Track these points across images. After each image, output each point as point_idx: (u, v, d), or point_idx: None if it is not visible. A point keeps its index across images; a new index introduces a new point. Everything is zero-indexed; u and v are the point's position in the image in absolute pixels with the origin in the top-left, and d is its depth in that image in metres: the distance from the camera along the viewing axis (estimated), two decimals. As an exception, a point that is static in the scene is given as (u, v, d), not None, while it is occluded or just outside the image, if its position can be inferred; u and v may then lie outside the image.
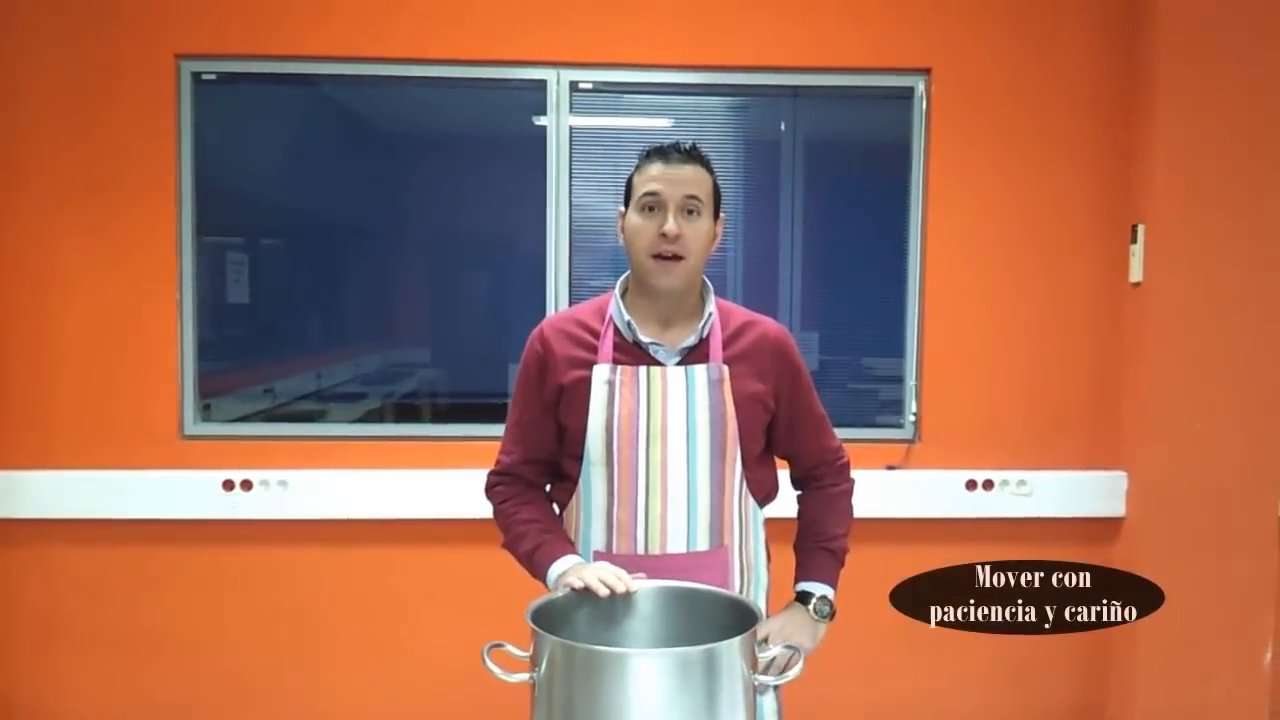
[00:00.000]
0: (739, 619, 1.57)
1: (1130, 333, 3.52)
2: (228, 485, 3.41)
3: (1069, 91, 3.54)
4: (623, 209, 2.02)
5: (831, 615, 2.03)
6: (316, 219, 3.78)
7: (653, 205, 1.93)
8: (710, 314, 2.00)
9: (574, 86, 3.55)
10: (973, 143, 3.55)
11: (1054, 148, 3.55)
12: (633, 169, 2.01)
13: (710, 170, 2.00)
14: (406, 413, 3.88)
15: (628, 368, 1.96)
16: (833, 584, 2.07)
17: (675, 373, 1.96)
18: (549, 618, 1.59)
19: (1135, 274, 3.47)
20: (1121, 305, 3.55)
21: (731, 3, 3.50)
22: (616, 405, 1.94)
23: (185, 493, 3.42)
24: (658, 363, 1.97)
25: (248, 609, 3.52)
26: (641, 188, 1.95)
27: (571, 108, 3.55)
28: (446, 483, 3.42)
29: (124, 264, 3.44)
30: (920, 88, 3.57)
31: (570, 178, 3.53)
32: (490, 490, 2.10)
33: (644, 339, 1.97)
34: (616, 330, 2.00)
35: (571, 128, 3.54)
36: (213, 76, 3.51)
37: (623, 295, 2.04)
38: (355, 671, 3.56)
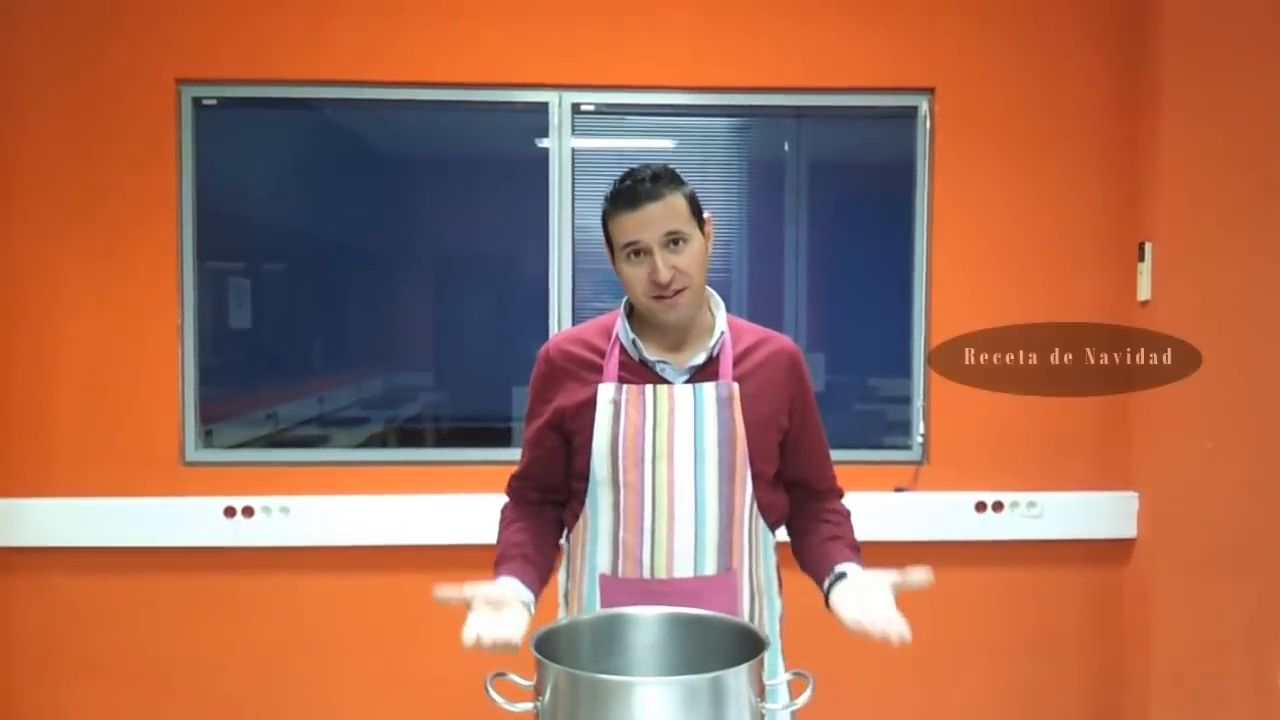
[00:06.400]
0: (747, 646, 1.53)
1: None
2: (229, 512, 3.39)
3: (1074, 109, 3.53)
4: (611, 258, 1.97)
5: None
6: (318, 243, 3.76)
7: (637, 252, 1.88)
8: (721, 333, 1.97)
9: (576, 108, 3.54)
10: (977, 161, 3.54)
11: (1060, 165, 3.53)
12: (603, 213, 1.94)
13: (679, 187, 1.90)
14: (409, 437, 3.84)
15: (633, 386, 1.93)
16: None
17: (683, 391, 1.93)
18: (553, 645, 1.55)
19: (1143, 292, 3.45)
20: (1130, 323, 3.51)
21: (734, 24, 3.49)
22: (622, 424, 1.91)
23: (186, 520, 3.40)
24: (665, 381, 1.94)
25: (249, 637, 3.49)
26: (620, 239, 1.90)
27: (573, 130, 3.54)
28: (450, 508, 3.40)
29: (125, 290, 3.43)
30: (924, 107, 3.56)
31: (573, 199, 3.52)
32: (505, 503, 2.11)
33: (650, 357, 1.94)
34: (622, 349, 1.97)
35: (574, 149, 3.54)
36: (213, 101, 3.51)
37: (629, 313, 2.01)
38: (357, 700, 3.52)
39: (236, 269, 3.71)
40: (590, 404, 1.94)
